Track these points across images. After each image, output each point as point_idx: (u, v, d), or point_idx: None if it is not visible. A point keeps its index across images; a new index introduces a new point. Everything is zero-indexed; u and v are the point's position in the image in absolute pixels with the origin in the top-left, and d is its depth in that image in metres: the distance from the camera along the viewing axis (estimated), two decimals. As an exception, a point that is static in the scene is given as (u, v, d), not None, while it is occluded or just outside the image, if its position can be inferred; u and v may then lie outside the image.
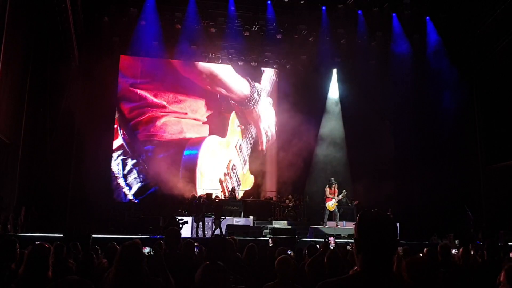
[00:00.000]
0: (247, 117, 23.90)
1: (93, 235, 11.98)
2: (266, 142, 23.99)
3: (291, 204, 20.72)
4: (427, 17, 21.52)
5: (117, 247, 6.75)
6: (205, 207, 17.49)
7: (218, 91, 23.41)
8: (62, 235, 12.48)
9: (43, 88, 18.91)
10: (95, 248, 8.17)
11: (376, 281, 2.32)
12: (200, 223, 17.10)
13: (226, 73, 23.52)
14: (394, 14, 21.16)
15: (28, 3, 16.75)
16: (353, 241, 2.52)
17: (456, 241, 15.75)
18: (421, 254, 7.97)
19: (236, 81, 23.69)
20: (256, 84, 24.00)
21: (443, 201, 20.37)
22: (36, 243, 4.12)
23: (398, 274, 2.55)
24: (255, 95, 23.92)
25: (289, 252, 9.06)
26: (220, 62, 23.00)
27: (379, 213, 2.43)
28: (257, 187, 22.89)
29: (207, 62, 22.98)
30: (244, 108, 23.74)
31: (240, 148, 23.52)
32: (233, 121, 23.65)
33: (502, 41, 19.91)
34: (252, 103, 23.87)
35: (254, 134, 23.94)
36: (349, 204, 20.40)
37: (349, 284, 2.37)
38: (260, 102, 24.06)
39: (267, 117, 24.18)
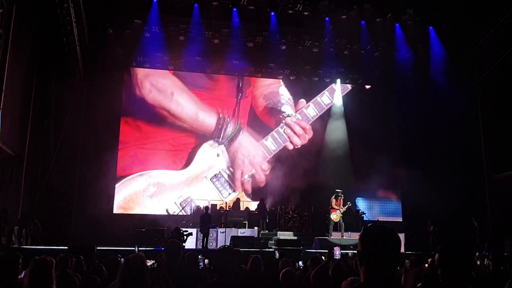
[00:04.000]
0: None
1: (97, 247, 11.97)
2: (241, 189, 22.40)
3: (295, 215, 20.68)
4: (430, 27, 21.53)
5: (119, 259, 6.75)
6: (211, 218, 17.51)
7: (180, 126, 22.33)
8: (66, 247, 12.49)
9: (48, 101, 19.00)
10: (102, 261, 8.15)
11: None
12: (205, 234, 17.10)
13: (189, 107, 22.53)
14: (397, 24, 21.18)
15: (33, 16, 16.88)
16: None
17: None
18: (426, 265, 7.94)
19: (200, 114, 22.53)
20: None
21: (449, 211, 20.30)
22: (36, 257, 4.08)
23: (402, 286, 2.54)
24: (228, 129, 22.67)
25: (300, 263, 9.05)
26: (224, 73, 23.07)
27: (383, 226, 2.43)
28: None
29: (211, 73, 23.04)
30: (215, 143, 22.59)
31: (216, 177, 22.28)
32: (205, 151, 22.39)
33: (506, 50, 19.89)
34: (222, 139, 22.58)
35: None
36: (354, 215, 20.38)
37: (353, 297, 2.37)
38: (237, 139, 22.73)
39: (248, 159, 22.65)
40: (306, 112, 23.34)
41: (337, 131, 23.33)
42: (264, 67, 23.09)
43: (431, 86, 22.13)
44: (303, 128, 23.08)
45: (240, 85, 23.26)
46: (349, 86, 24.12)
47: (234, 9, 20.11)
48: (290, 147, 22.89)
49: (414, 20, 20.86)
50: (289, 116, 23.09)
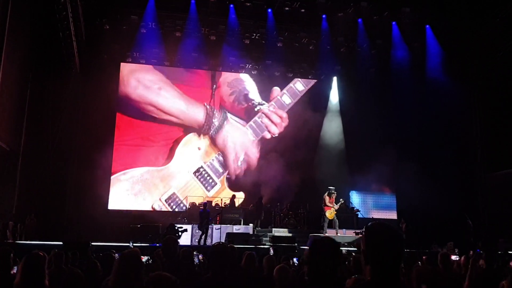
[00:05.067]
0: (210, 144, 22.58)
1: (92, 243, 11.96)
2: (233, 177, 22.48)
3: (290, 212, 20.68)
4: (427, 26, 21.56)
5: (113, 255, 6.75)
6: (209, 214, 17.50)
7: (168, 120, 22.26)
8: (61, 243, 12.48)
9: (43, 95, 18.93)
10: (97, 256, 8.15)
11: None
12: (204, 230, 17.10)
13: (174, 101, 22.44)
14: (394, 23, 21.21)
15: (29, 11, 16.80)
16: (354, 249, 2.54)
17: (456, 250, 15.71)
18: (419, 263, 7.98)
19: (188, 108, 22.47)
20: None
21: (443, 209, 20.35)
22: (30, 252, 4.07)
23: (405, 284, 2.57)
24: (214, 121, 22.62)
25: (295, 260, 9.07)
26: (220, 70, 23.03)
27: (386, 225, 2.46)
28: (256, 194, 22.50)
29: (207, 70, 23.01)
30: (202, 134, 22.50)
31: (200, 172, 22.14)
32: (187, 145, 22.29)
33: (502, 49, 19.95)
34: (211, 129, 22.53)
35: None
36: (349, 213, 20.41)
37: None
38: (224, 128, 22.73)
39: (239, 146, 22.71)
40: (282, 100, 23.29)
41: (333, 127, 23.42)
42: (260, 64, 23.07)
43: (428, 84, 22.13)
44: (280, 117, 23.10)
45: (214, 77, 23.21)
46: (312, 81, 24.10)
47: (231, 5, 20.11)
48: (268, 136, 22.90)
49: (411, 19, 20.87)
50: (261, 105, 23.08)
